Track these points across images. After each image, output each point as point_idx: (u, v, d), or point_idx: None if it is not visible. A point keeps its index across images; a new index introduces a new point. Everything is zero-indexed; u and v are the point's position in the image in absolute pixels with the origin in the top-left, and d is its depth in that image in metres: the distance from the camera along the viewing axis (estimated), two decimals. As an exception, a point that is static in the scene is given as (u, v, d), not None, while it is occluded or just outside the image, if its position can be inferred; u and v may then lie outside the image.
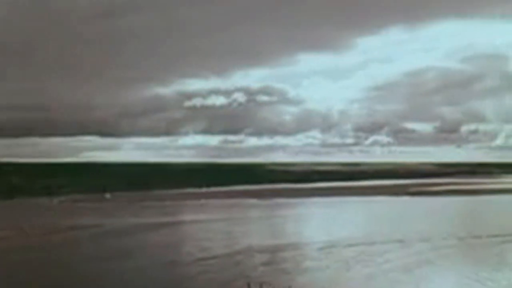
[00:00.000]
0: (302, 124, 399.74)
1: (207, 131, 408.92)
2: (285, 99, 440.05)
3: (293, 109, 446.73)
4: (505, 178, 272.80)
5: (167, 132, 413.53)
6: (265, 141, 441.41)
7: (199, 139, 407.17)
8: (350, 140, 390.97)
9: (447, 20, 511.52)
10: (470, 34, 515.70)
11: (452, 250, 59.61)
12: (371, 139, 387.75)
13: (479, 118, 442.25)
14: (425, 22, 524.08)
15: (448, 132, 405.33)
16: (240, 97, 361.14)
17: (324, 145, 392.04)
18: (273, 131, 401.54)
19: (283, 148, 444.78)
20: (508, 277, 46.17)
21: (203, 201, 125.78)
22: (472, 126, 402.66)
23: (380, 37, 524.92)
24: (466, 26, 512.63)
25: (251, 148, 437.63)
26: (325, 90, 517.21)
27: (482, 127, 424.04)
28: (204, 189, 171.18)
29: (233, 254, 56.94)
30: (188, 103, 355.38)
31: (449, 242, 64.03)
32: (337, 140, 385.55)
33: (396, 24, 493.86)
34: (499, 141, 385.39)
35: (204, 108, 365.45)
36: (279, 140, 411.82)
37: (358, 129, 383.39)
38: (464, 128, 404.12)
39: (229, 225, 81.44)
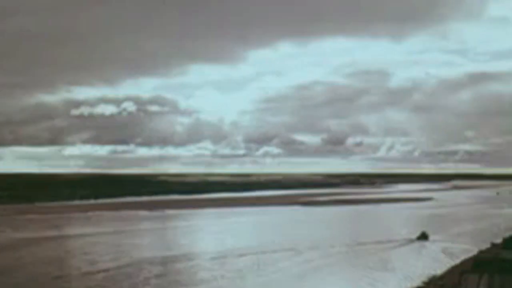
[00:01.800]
0: (194, 135, 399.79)
1: (95, 140, 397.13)
2: (176, 110, 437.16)
3: (184, 120, 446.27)
4: (386, 188, 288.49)
5: (52, 142, 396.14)
6: (156, 151, 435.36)
7: (87, 149, 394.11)
8: (241, 151, 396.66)
9: (335, 37, 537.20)
10: (356, 52, 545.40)
11: (340, 257, 61.52)
12: (262, 150, 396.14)
13: (364, 131, 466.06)
14: (315, 38, 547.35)
15: (334, 144, 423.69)
16: (130, 106, 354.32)
17: (215, 156, 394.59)
18: (164, 142, 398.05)
19: (174, 159, 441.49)
20: (395, 279, 48.36)
21: (90, 213, 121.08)
22: (357, 139, 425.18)
23: (272, 51, 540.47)
24: (353, 43, 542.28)
25: (141, 159, 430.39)
26: (217, 101, 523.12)
27: (366, 139, 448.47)
28: (91, 201, 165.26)
29: (123, 267, 54.97)
30: (75, 112, 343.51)
31: (337, 250, 66.15)
32: (228, 151, 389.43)
33: (287, 39, 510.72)
34: (381, 153, 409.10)
35: (92, 116, 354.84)
36: (170, 150, 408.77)
37: (249, 140, 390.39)
38: (350, 140, 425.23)
39: (119, 238, 78.76)
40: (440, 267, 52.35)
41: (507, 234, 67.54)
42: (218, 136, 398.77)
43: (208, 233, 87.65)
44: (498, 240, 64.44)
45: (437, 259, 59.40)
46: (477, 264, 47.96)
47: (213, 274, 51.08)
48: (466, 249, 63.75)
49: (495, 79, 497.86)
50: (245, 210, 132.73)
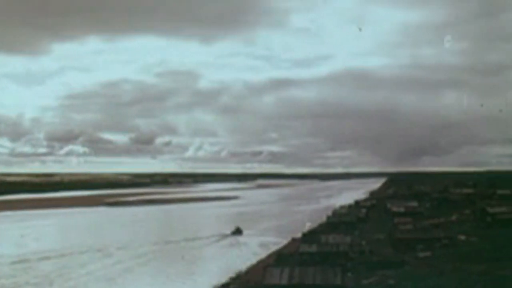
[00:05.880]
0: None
1: None
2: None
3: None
4: (195, 187, 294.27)
5: None
6: None
7: None
8: (43, 150, 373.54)
9: (145, 35, 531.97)
10: (165, 51, 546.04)
11: (151, 257, 61.63)
12: (66, 148, 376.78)
13: (172, 131, 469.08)
14: (124, 35, 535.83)
15: (143, 144, 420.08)
16: None
17: (13, 154, 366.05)
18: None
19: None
20: (208, 274, 49.84)
21: None
22: (166, 139, 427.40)
23: (78, 45, 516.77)
24: (162, 43, 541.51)
25: None
26: (15, 95, 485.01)
27: (175, 139, 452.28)
28: None
29: None
30: None
31: (146, 249, 66.09)
32: (28, 149, 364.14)
33: (95, 34, 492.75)
34: (190, 153, 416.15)
35: None
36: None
37: (52, 138, 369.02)
38: (159, 140, 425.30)
39: None
40: (255, 258, 55.49)
41: (305, 229, 73.51)
42: (16, 132, 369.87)
43: (6, 237, 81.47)
44: (298, 235, 69.87)
45: (253, 251, 63.05)
46: (279, 258, 51.59)
47: (16, 281, 47.72)
48: (276, 242, 68.41)
49: (295, 85, 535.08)
50: (48, 212, 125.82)
